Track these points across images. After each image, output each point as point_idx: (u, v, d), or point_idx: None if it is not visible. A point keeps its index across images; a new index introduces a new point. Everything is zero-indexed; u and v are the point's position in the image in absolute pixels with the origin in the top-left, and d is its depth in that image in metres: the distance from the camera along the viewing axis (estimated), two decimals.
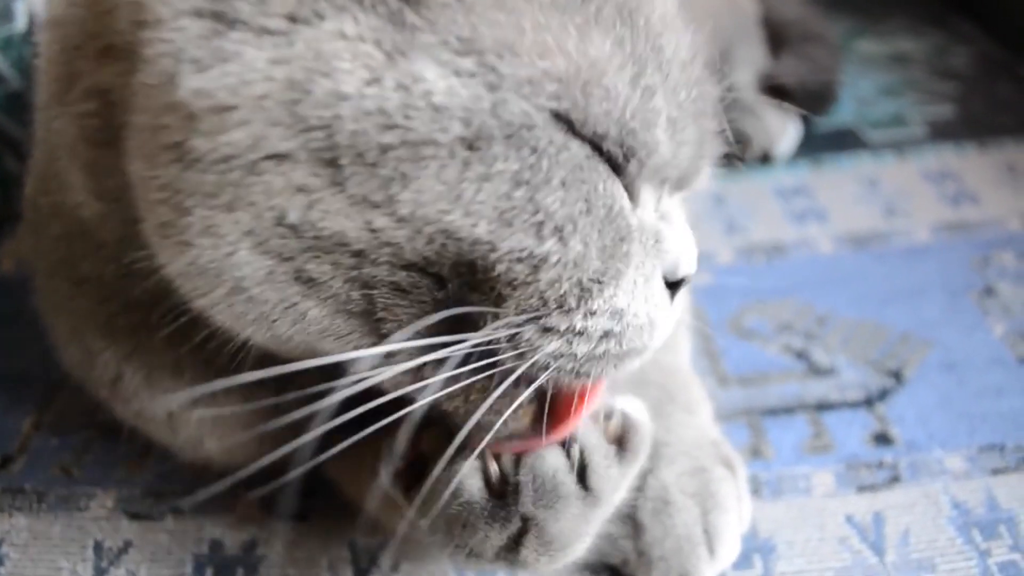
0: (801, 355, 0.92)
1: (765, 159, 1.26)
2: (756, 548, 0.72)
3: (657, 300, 0.52)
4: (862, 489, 0.77)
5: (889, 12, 1.68)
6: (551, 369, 0.49)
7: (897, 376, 0.88)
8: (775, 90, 1.29)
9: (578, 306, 0.48)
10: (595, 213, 0.47)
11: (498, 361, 0.49)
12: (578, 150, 0.46)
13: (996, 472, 0.77)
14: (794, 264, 1.07)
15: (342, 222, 0.44)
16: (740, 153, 1.22)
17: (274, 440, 0.67)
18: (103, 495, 0.79)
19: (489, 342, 0.48)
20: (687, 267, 0.53)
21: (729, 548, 0.68)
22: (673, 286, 0.54)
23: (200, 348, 0.56)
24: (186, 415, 0.66)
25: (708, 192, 1.19)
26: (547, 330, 0.48)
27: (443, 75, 0.43)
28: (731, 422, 0.82)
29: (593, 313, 0.49)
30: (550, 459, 0.57)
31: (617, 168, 0.48)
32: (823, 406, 0.86)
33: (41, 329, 0.71)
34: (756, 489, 0.76)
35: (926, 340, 0.93)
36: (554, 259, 0.46)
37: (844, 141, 1.31)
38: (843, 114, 1.36)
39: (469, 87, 0.43)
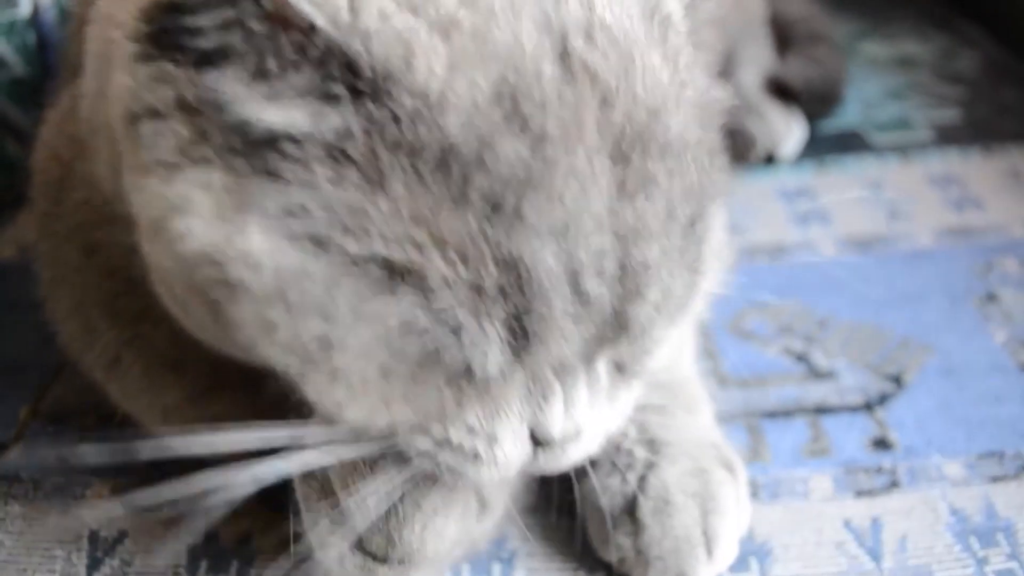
0: (801, 358, 0.92)
1: (769, 160, 1.26)
2: (753, 551, 0.72)
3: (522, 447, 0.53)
4: (860, 494, 0.77)
5: (895, 14, 1.68)
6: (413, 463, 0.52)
7: (897, 381, 0.88)
8: (780, 90, 1.29)
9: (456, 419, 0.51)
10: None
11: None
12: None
13: (995, 480, 0.77)
14: (796, 266, 1.06)
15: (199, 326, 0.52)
16: (744, 153, 1.23)
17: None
18: (99, 484, 0.78)
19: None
20: (554, 432, 0.53)
21: (727, 550, 0.68)
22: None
23: (202, 347, 0.56)
24: (179, 413, 0.66)
25: None
26: (426, 432, 0.51)
27: None
28: (730, 424, 0.81)
29: (472, 431, 0.51)
30: None
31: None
32: (822, 409, 0.86)
33: (39, 317, 0.71)
34: (754, 492, 0.76)
35: (926, 345, 0.93)
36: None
37: (848, 143, 1.31)
38: (848, 116, 1.36)
39: None
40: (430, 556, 0.58)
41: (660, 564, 0.67)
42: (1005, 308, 0.97)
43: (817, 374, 0.90)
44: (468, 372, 0.47)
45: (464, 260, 0.43)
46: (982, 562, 0.70)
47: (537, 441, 0.53)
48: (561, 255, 0.45)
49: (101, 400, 0.84)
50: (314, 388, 0.48)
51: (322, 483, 0.56)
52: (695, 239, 0.50)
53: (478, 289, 0.44)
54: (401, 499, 0.56)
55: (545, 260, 0.44)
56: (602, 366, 0.54)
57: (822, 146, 1.29)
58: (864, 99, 1.41)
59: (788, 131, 1.26)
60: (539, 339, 0.47)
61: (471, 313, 0.45)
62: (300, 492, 0.57)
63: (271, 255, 0.44)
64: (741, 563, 0.71)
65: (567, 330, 0.47)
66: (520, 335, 0.46)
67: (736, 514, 0.70)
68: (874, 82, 1.46)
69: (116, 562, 0.72)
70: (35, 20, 1.13)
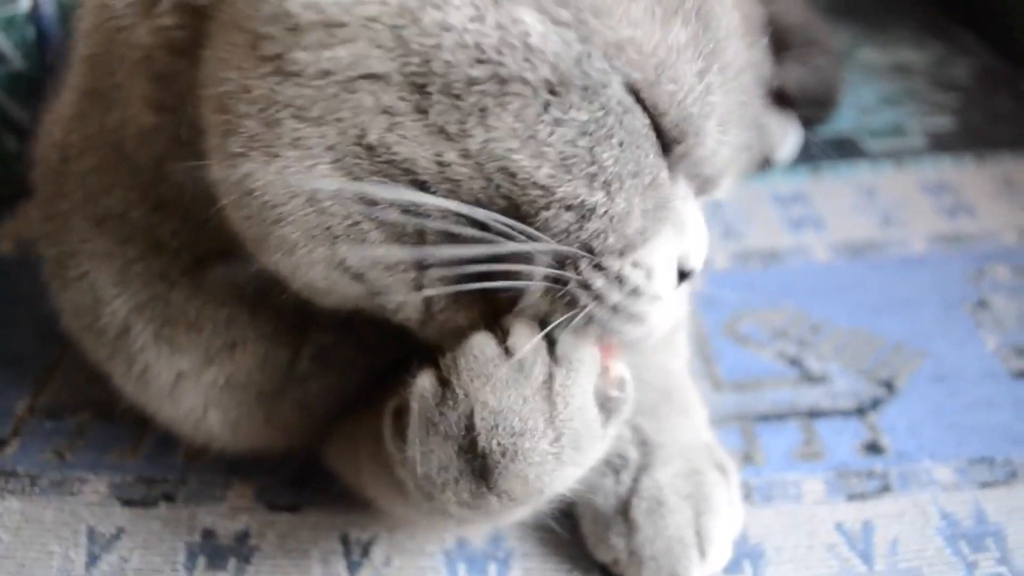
0: (794, 362, 0.93)
1: (764, 164, 1.27)
2: (746, 553, 0.73)
3: (668, 280, 0.55)
4: (852, 497, 0.77)
5: (892, 22, 1.69)
6: (575, 310, 0.52)
7: (889, 386, 0.89)
8: (776, 95, 1.29)
9: (624, 255, 0.51)
10: (641, 178, 0.50)
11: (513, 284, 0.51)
12: (639, 119, 0.49)
13: (985, 485, 0.78)
14: (790, 271, 1.07)
15: (415, 149, 0.47)
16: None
17: (282, 416, 0.67)
18: (96, 480, 0.79)
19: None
20: (696, 261, 0.56)
21: (720, 552, 0.69)
22: (680, 277, 0.56)
23: (223, 303, 0.57)
24: (193, 379, 0.65)
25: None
26: (598, 267, 0.51)
27: (541, 20, 0.46)
28: (724, 427, 0.82)
29: (636, 265, 0.52)
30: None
31: (666, 148, 0.52)
32: (815, 413, 0.86)
33: (36, 312, 0.71)
34: (747, 494, 0.77)
35: (919, 351, 0.94)
36: (601, 211, 0.49)
37: (843, 149, 1.31)
38: (843, 122, 1.37)
39: (562, 36, 0.46)
40: (546, 495, 0.56)
41: (653, 564, 0.67)
42: (997, 315, 0.98)
43: (810, 378, 0.91)
44: (654, 183, 0.51)
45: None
46: (972, 566, 0.71)
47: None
48: (727, 94, 0.53)
49: (99, 395, 0.85)
50: (563, 195, 0.48)
51: (465, 417, 0.53)
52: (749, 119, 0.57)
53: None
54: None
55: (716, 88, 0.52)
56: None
57: (817, 152, 1.29)
58: (859, 105, 1.41)
59: (783, 136, 1.26)
60: (691, 160, 0.53)
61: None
62: (429, 409, 0.54)
63: (544, 39, 0.47)
64: (734, 565, 0.71)
65: (703, 168, 0.55)
66: (676, 150, 0.52)
67: (729, 516, 0.70)
68: (869, 88, 1.47)
69: (113, 558, 0.72)
70: (34, 15, 1.13)
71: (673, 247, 0.55)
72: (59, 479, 0.79)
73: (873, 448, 0.82)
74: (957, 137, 1.34)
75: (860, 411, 0.86)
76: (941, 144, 1.32)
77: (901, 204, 1.19)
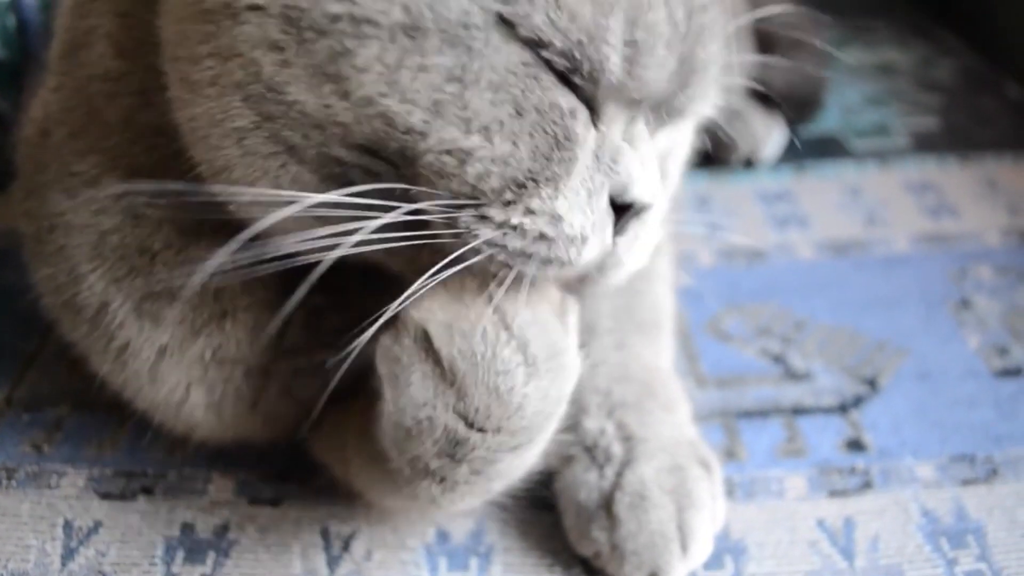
0: (778, 359, 0.93)
1: (749, 163, 1.27)
2: (728, 549, 0.73)
3: (596, 218, 0.52)
4: (834, 494, 0.77)
5: (877, 22, 1.69)
6: (482, 255, 0.50)
7: (872, 383, 0.89)
8: (762, 94, 1.29)
9: (516, 202, 0.50)
10: (527, 117, 0.49)
11: (436, 237, 0.50)
12: (515, 55, 0.48)
13: (966, 483, 0.78)
14: (774, 269, 1.07)
15: (303, 91, 0.48)
16: (725, 156, 1.24)
17: (267, 399, 0.67)
18: (74, 473, 0.78)
19: (428, 221, 0.50)
20: (639, 192, 0.53)
21: (702, 547, 0.69)
22: (621, 210, 0.53)
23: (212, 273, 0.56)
24: (177, 354, 0.64)
25: (691, 194, 1.19)
26: (483, 218, 0.50)
27: None
28: (707, 423, 0.82)
29: (532, 212, 0.50)
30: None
31: (566, 80, 0.50)
32: (798, 410, 0.86)
33: (15, 303, 0.70)
34: (729, 490, 0.77)
35: (902, 349, 0.94)
36: (479, 154, 0.48)
37: (828, 149, 1.32)
38: (828, 122, 1.37)
39: None
40: (527, 422, 0.54)
41: (635, 559, 0.67)
42: (979, 314, 0.98)
43: (793, 375, 0.91)
44: (545, 120, 0.49)
45: None
46: (952, 563, 0.71)
47: (618, 210, 0.53)
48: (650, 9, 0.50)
49: (77, 388, 0.84)
50: (438, 140, 0.47)
51: (421, 341, 0.53)
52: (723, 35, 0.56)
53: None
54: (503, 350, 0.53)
55: None
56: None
57: (801, 151, 1.30)
58: (844, 105, 1.42)
59: (769, 135, 1.27)
60: (614, 87, 0.50)
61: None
62: (393, 356, 0.54)
63: None
64: (716, 560, 0.71)
65: (633, 94, 0.51)
66: (582, 80, 0.50)
67: (711, 511, 0.70)
68: (854, 88, 1.47)
69: (91, 552, 0.71)
70: (15, 4, 1.12)
71: (598, 183, 0.52)
72: (36, 472, 0.78)
73: (855, 445, 0.82)
74: (941, 137, 1.35)
75: (843, 408, 0.86)
76: (925, 144, 1.33)
77: (885, 203, 1.19)
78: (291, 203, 0.49)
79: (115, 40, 0.59)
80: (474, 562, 0.72)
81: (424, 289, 0.51)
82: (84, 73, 0.60)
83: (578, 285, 0.57)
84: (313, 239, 0.50)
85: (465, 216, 0.49)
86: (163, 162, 0.57)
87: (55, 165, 0.63)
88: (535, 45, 0.48)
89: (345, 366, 0.52)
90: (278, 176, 0.50)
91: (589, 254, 0.52)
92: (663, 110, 0.55)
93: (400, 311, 0.53)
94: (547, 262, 0.51)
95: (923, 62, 1.56)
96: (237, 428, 0.68)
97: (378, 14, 0.46)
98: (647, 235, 0.56)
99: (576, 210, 0.51)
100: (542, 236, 0.50)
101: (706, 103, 0.57)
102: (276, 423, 0.69)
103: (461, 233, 0.50)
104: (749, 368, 0.92)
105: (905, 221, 1.15)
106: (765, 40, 1.34)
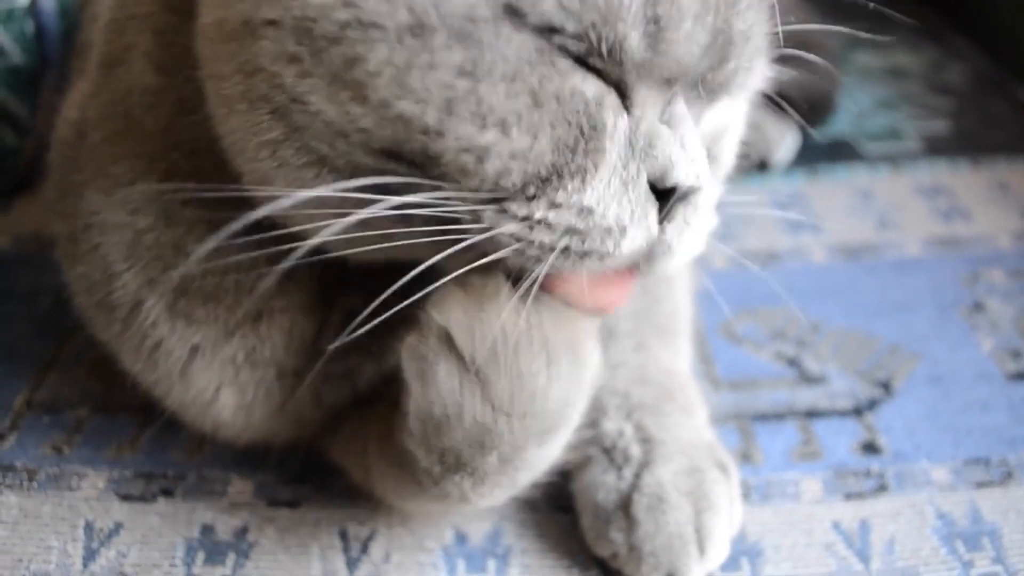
0: (792, 362, 0.93)
1: (762, 167, 1.27)
2: (744, 551, 0.73)
3: (635, 207, 0.51)
4: (849, 497, 0.78)
5: (888, 26, 1.69)
6: (509, 249, 0.50)
7: (886, 387, 0.90)
8: (774, 99, 1.30)
9: (539, 196, 0.49)
10: (546, 107, 0.48)
11: (466, 232, 0.50)
12: (527, 44, 0.47)
13: (980, 485, 0.78)
14: (787, 272, 1.08)
15: (324, 101, 0.48)
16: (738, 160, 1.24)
17: (297, 400, 0.67)
18: (94, 475, 0.78)
19: (456, 218, 0.50)
20: (681, 175, 0.51)
21: (719, 549, 0.69)
22: (665, 195, 0.52)
23: (249, 271, 0.57)
24: (209, 354, 0.64)
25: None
26: (504, 212, 0.49)
27: None
28: (722, 426, 0.82)
29: (557, 205, 0.49)
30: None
31: (585, 64, 0.48)
32: (813, 413, 0.87)
33: (34, 307, 0.70)
34: (745, 493, 0.77)
35: (915, 353, 0.94)
36: (496, 149, 0.47)
37: (840, 152, 1.32)
38: (840, 126, 1.37)
39: None
40: (552, 405, 0.55)
41: (652, 560, 0.68)
42: (992, 318, 0.99)
43: (808, 379, 0.91)
44: (566, 110, 0.48)
45: None
46: (968, 565, 0.71)
47: (663, 196, 0.52)
48: None
49: (97, 390, 0.85)
50: (455, 138, 0.47)
51: (444, 340, 0.54)
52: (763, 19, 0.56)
53: None
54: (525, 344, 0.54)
55: None
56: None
57: (814, 154, 1.30)
58: (856, 109, 1.42)
59: (781, 139, 1.27)
60: (642, 68, 0.49)
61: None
62: (419, 354, 0.55)
63: None
64: (732, 563, 0.72)
65: (664, 73, 0.50)
66: (604, 64, 0.48)
67: (728, 513, 0.71)
68: (866, 92, 1.47)
69: (112, 553, 0.72)
70: (34, 8, 1.13)
71: (634, 170, 0.50)
72: (57, 474, 0.78)
73: (870, 448, 0.82)
74: (952, 141, 1.35)
75: (857, 411, 0.87)
76: (937, 148, 1.33)
77: (897, 207, 1.19)
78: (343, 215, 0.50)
79: (153, 58, 0.59)
80: (492, 564, 0.72)
81: (443, 287, 0.52)
82: (123, 86, 0.61)
83: (630, 277, 0.56)
84: (349, 236, 0.51)
85: (489, 212, 0.49)
86: (202, 168, 0.58)
87: (91, 165, 0.63)
88: (548, 31, 0.47)
89: (378, 369, 0.53)
90: (314, 187, 0.50)
91: (631, 244, 0.51)
92: (704, 88, 0.52)
93: (421, 313, 0.54)
94: (584, 255, 0.51)
95: (934, 66, 1.57)
96: (263, 429, 0.69)
97: (384, 16, 0.46)
98: (699, 220, 0.54)
99: (610, 200, 0.50)
100: (572, 230, 0.50)
101: (753, 76, 0.56)
102: (301, 425, 0.69)
103: (487, 228, 0.49)
104: (764, 371, 0.92)
105: (917, 225, 1.16)
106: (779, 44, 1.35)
